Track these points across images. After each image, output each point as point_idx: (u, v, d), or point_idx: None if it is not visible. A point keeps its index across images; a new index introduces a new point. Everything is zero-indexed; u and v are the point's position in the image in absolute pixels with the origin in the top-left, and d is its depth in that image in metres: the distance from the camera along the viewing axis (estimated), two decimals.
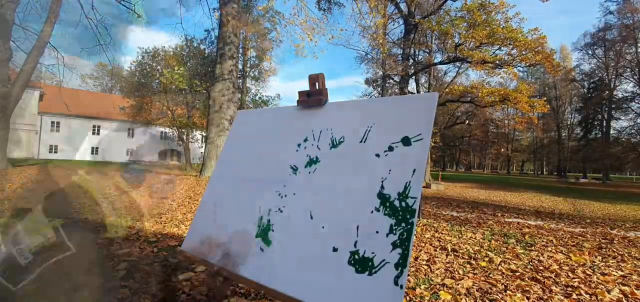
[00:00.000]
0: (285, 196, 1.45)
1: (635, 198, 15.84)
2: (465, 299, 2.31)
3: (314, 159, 1.44)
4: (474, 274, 2.86)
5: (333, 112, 1.50)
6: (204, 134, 21.19)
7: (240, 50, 16.17)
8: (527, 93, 17.42)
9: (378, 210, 1.15)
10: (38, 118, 33.16)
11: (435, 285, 2.56)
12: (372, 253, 1.09)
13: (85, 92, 41.28)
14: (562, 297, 2.39)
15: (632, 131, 31.85)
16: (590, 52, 35.58)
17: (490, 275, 2.84)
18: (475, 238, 4.37)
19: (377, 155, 1.25)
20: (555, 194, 16.67)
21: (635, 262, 3.48)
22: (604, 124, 35.49)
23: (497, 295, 2.39)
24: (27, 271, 1.43)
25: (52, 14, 11.24)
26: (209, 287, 2.34)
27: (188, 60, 19.35)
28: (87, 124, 36.37)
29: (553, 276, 2.87)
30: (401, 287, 1.00)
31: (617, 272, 3.09)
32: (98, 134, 36.20)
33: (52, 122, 34.51)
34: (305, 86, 1.62)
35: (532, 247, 3.96)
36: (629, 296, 2.48)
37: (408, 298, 2.32)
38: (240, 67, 20.42)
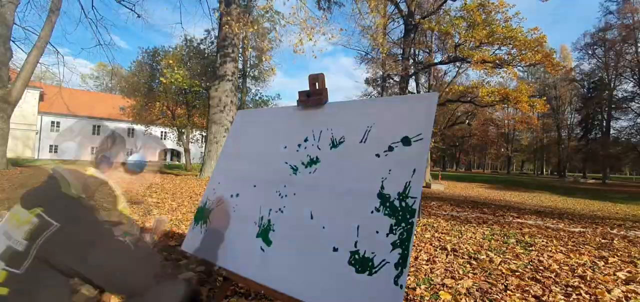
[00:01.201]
0: (286, 196, 1.45)
1: (635, 198, 15.85)
2: (465, 299, 2.31)
3: (314, 159, 1.44)
4: (474, 274, 2.86)
5: (333, 112, 1.50)
6: (203, 134, 21.17)
7: (240, 50, 16.17)
8: (527, 93, 17.40)
9: (378, 210, 1.15)
10: (38, 118, 33.19)
11: (435, 285, 2.56)
12: (372, 253, 1.10)
13: (85, 92, 41.33)
14: (562, 297, 2.39)
15: (632, 131, 31.85)
16: (590, 52, 35.57)
17: (490, 275, 2.84)
18: (475, 238, 4.37)
19: (377, 155, 1.25)
20: (555, 193, 16.68)
21: (635, 261, 3.48)
22: (604, 124, 35.50)
23: (497, 295, 2.40)
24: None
25: (52, 13, 11.24)
26: (210, 287, 2.34)
27: (188, 61, 19.32)
28: (88, 125, 36.40)
29: (553, 276, 2.87)
30: (401, 287, 1.00)
31: (617, 272, 3.09)
32: (98, 134, 36.21)
33: (52, 122, 34.53)
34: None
35: (532, 247, 3.96)
36: (630, 295, 2.48)
37: (408, 298, 2.32)
38: (240, 66, 20.41)
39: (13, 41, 11.83)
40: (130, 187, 1.21)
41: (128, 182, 1.22)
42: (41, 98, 31.89)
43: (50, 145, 34.24)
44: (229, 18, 10.38)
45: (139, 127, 22.19)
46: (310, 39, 10.91)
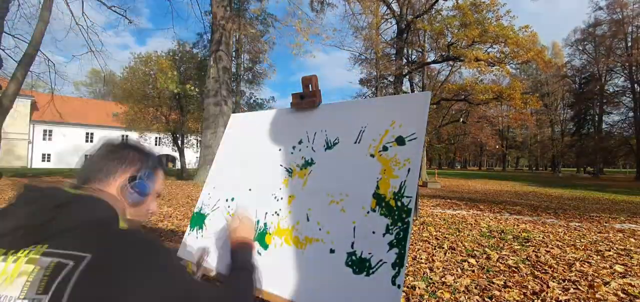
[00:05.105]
0: (281, 198, 1.43)
1: (627, 190, 16.02)
2: (464, 297, 2.31)
3: (309, 160, 1.43)
4: (472, 271, 2.86)
5: (327, 113, 1.49)
6: (198, 139, 21.05)
7: (234, 53, 16.14)
8: (520, 90, 17.57)
9: (374, 210, 1.14)
10: (30, 127, 32.85)
11: (434, 283, 2.56)
12: (369, 254, 1.09)
13: (78, 99, 40.94)
14: (560, 292, 2.40)
15: (624, 125, 32.22)
16: (580, 48, 35.99)
17: (489, 272, 2.84)
18: (472, 235, 4.38)
19: (372, 155, 1.25)
20: (550, 188, 16.81)
21: (631, 254, 3.51)
22: (596, 119, 35.90)
23: (496, 291, 2.40)
24: None
25: (42, 21, 11.12)
26: None
27: (181, 65, 19.23)
28: (81, 132, 36.06)
29: (550, 271, 2.88)
30: (399, 287, 0.99)
31: (613, 265, 3.11)
32: (92, 141, 35.89)
33: (45, 131, 34.17)
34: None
35: (529, 243, 3.97)
36: (626, 287, 2.50)
37: (408, 298, 2.31)
38: (234, 69, 20.36)
39: (3, 50, 11.71)
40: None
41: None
42: (33, 107, 31.56)
43: (43, 154, 33.89)
44: (221, 22, 10.34)
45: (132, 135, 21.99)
46: (307, 39, 10.92)
